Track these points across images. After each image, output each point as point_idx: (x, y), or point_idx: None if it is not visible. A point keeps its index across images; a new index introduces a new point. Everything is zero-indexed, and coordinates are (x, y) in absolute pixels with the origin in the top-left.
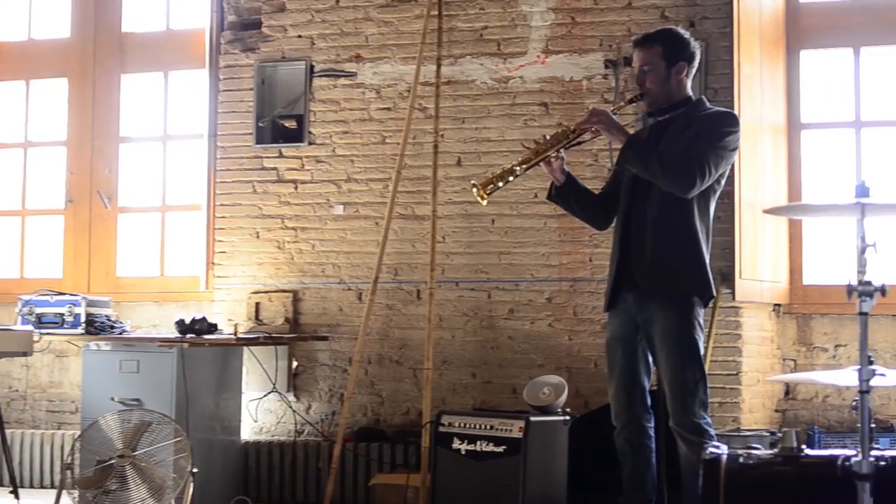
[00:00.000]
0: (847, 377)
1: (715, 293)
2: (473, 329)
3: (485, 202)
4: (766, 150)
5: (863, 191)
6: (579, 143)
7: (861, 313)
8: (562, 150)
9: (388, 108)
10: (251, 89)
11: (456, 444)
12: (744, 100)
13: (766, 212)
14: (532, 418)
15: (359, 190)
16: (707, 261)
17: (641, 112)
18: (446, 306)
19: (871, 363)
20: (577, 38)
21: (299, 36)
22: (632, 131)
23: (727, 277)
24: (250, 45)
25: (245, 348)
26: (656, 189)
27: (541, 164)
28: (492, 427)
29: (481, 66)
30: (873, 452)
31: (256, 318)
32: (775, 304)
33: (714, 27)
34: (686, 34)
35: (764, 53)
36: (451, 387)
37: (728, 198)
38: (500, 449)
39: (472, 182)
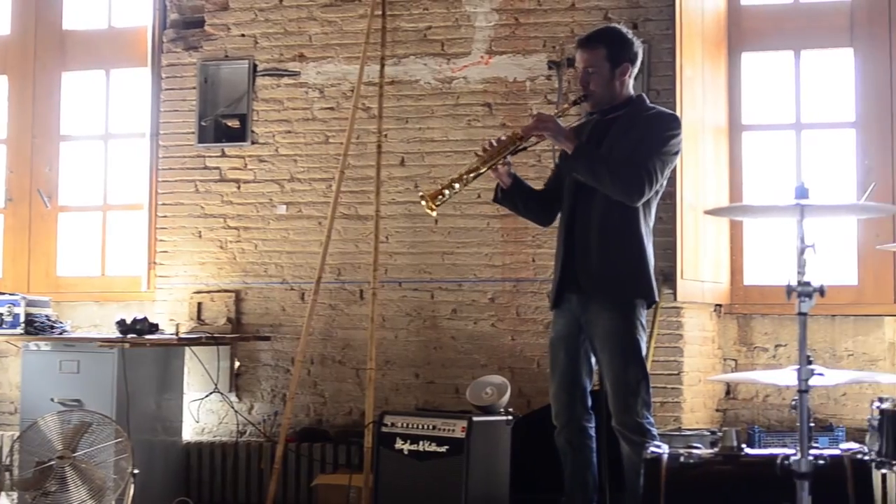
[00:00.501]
0: (786, 377)
1: (658, 297)
2: (416, 329)
3: (434, 213)
4: (708, 151)
5: (802, 192)
6: (525, 149)
7: (800, 313)
8: (508, 156)
9: (332, 108)
10: (194, 88)
11: (399, 445)
12: (686, 101)
13: (707, 213)
14: (475, 418)
15: (302, 190)
16: (651, 263)
17: (585, 112)
18: (389, 306)
19: (810, 363)
20: (520, 38)
21: (242, 35)
22: (575, 125)
23: (669, 278)
24: (193, 44)
25: (187, 348)
26: (600, 191)
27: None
28: (434, 427)
29: (425, 67)
30: (812, 451)
31: (198, 318)
32: (716, 305)
33: (657, 29)
34: (629, 35)
35: (706, 55)
36: (393, 387)
37: (670, 199)
38: (443, 449)
39: (420, 194)
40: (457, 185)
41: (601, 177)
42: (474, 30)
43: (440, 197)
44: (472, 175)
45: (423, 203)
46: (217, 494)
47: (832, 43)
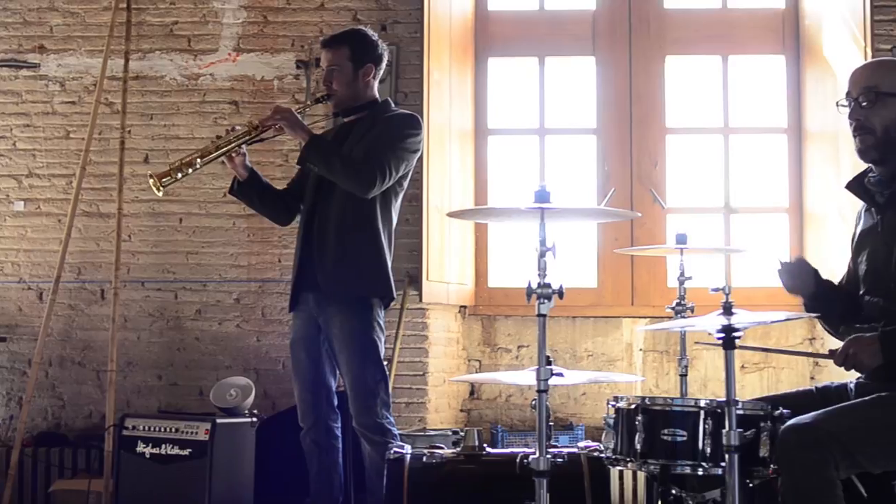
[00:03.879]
0: (527, 377)
1: (395, 295)
2: (159, 330)
3: (160, 193)
4: (454, 154)
5: (543, 196)
6: (262, 140)
7: (540, 315)
8: (244, 147)
9: (73, 102)
10: None
11: (140, 448)
12: (433, 104)
13: (450, 215)
14: (218, 420)
15: (41, 186)
16: (389, 262)
17: (330, 112)
18: (131, 306)
19: (549, 363)
20: (268, 37)
21: None
22: (321, 131)
23: (414, 279)
24: None
25: None
26: (339, 190)
27: (223, 159)
28: (177, 430)
29: (171, 62)
30: (551, 450)
31: None
32: (461, 306)
33: (405, 32)
34: (374, 36)
35: (453, 59)
36: (135, 389)
37: (416, 201)
38: (186, 452)
39: (149, 172)
40: (188, 169)
41: (334, 167)
42: (222, 26)
43: (167, 177)
44: (203, 159)
45: (151, 182)
46: None
47: (575, 51)
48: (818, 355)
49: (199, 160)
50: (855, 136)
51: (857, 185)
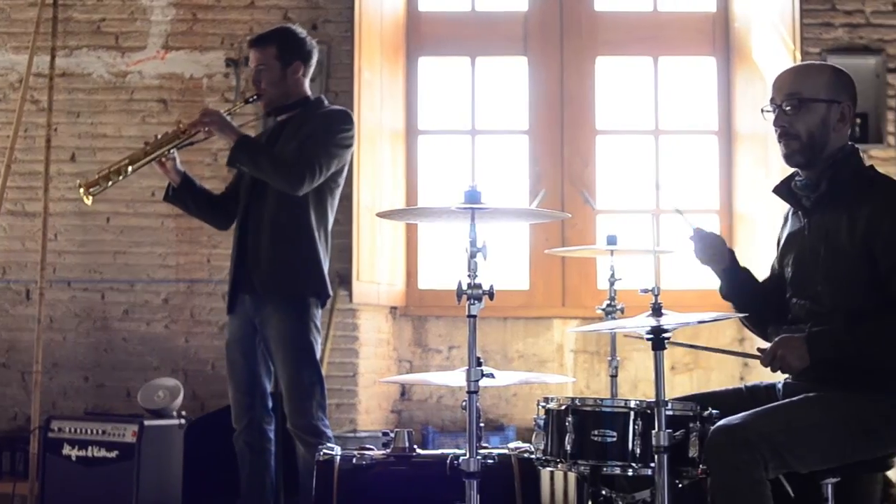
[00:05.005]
0: (457, 378)
1: (331, 294)
2: (86, 330)
3: (90, 202)
4: (385, 154)
5: (473, 196)
6: (192, 143)
7: (470, 316)
8: (174, 150)
9: None
10: None
11: (66, 451)
12: (364, 104)
13: (380, 215)
14: (146, 422)
15: None
16: (323, 262)
17: (262, 112)
18: (57, 307)
19: (480, 364)
20: (198, 35)
21: None
22: (253, 132)
23: (345, 280)
24: None
25: None
26: (273, 189)
27: (153, 163)
28: (104, 432)
29: (98, 60)
30: (481, 451)
31: None
32: (392, 307)
33: (336, 31)
34: (302, 33)
35: (385, 59)
36: (61, 391)
37: (346, 201)
38: (113, 454)
39: (79, 182)
40: (117, 177)
41: (262, 166)
42: (150, 24)
43: (96, 186)
44: (132, 166)
45: (81, 191)
46: None
47: (507, 51)
48: (747, 355)
49: (128, 167)
50: (780, 142)
51: (784, 189)
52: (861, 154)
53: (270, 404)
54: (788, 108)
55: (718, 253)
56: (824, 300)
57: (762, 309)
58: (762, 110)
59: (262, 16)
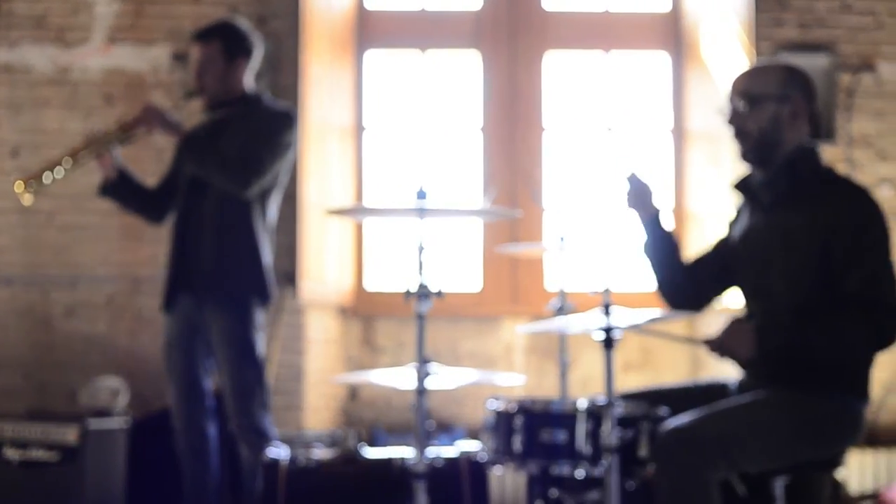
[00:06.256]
0: (406, 378)
1: (274, 294)
2: (27, 329)
3: (28, 201)
4: (334, 151)
5: (423, 194)
6: (131, 140)
7: (419, 315)
8: (114, 147)
9: None
10: None
11: (7, 453)
12: (312, 100)
13: (329, 213)
14: (89, 423)
15: None
16: (267, 261)
17: (204, 107)
18: None
19: (428, 364)
20: (143, 28)
21: None
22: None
23: (292, 279)
24: None
25: None
26: (214, 187)
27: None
28: (45, 433)
29: (41, 53)
30: (430, 452)
31: None
32: (340, 306)
33: (284, 25)
34: (245, 28)
35: (333, 54)
36: (1, 391)
37: (293, 199)
38: (55, 457)
39: (16, 178)
40: (55, 173)
41: (208, 167)
42: (94, 17)
43: (33, 182)
44: (71, 162)
45: (19, 189)
46: None
47: (459, 45)
48: (695, 341)
49: (67, 164)
50: (735, 142)
51: (743, 186)
52: (819, 154)
53: (212, 405)
54: (740, 107)
55: (646, 202)
56: (780, 298)
57: (675, 273)
58: (719, 112)
59: (208, 9)
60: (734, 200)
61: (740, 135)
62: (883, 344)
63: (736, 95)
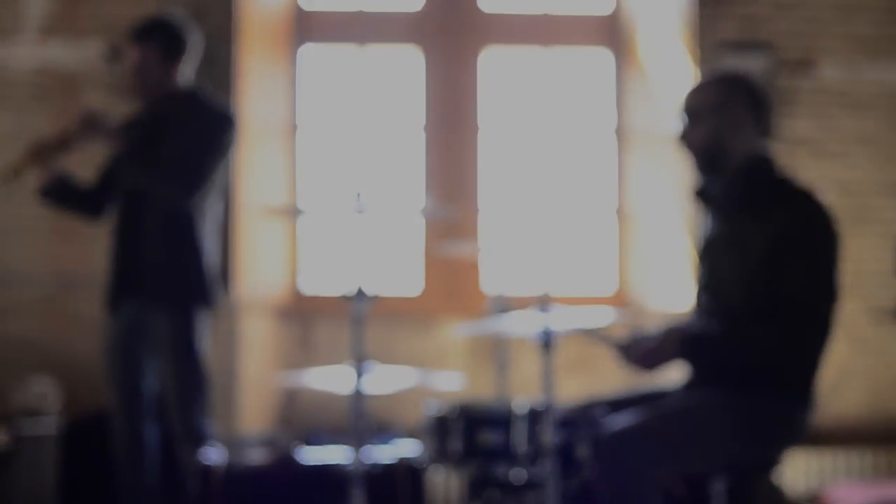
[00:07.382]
0: (344, 380)
1: (218, 298)
2: None
3: None
4: (270, 150)
5: (361, 195)
6: (72, 152)
7: (357, 317)
8: (57, 157)
9: None
10: None
11: None
12: (248, 98)
13: (266, 214)
14: (21, 427)
15: None
16: (209, 264)
17: (140, 105)
18: None
19: (367, 365)
20: (76, 23)
21: None
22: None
23: (226, 280)
24: None
25: None
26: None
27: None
28: None
29: None
30: (367, 454)
31: None
32: (276, 308)
33: (219, 21)
34: (181, 25)
35: (270, 50)
36: None
37: (229, 199)
38: None
39: None
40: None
41: (148, 181)
42: (23, 10)
43: None
44: (13, 178)
45: None
46: None
47: (397, 38)
48: (613, 343)
49: (9, 179)
50: (689, 157)
51: (702, 194)
52: (773, 161)
53: (152, 408)
54: (685, 123)
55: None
56: (730, 302)
57: None
58: (672, 130)
59: (143, 4)
60: (695, 207)
61: (688, 150)
62: (816, 349)
63: (681, 113)
